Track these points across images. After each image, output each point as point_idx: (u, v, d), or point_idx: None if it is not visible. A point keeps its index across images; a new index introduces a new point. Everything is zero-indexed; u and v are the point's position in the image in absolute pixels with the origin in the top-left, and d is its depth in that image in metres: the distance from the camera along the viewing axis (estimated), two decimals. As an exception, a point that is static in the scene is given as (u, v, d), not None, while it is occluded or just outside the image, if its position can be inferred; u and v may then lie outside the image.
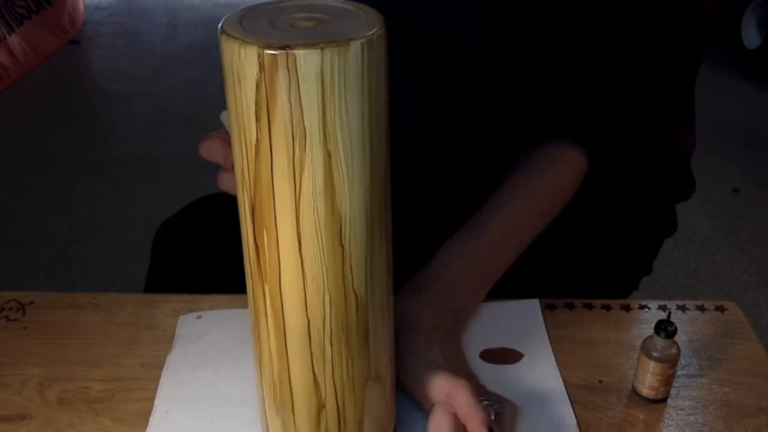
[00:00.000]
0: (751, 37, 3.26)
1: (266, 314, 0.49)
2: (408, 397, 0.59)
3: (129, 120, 2.95)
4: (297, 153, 0.42)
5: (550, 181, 0.73)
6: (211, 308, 0.73)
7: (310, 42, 0.40)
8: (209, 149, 0.55)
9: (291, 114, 0.41)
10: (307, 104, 0.41)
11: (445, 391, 0.54)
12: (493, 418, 0.55)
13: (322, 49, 0.40)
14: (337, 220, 0.45)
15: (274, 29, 0.43)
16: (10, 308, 0.73)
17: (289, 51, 0.40)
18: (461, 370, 0.61)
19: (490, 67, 0.81)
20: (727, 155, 2.59)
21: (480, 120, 0.86)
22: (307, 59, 0.40)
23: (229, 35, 0.42)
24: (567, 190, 0.74)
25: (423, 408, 0.58)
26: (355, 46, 0.40)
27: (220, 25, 0.43)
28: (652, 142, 0.78)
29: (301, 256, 0.46)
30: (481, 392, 0.59)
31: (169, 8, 4.31)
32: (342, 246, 0.46)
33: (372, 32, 0.42)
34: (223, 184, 0.55)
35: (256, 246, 0.47)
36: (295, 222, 0.45)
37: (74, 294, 0.76)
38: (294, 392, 0.51)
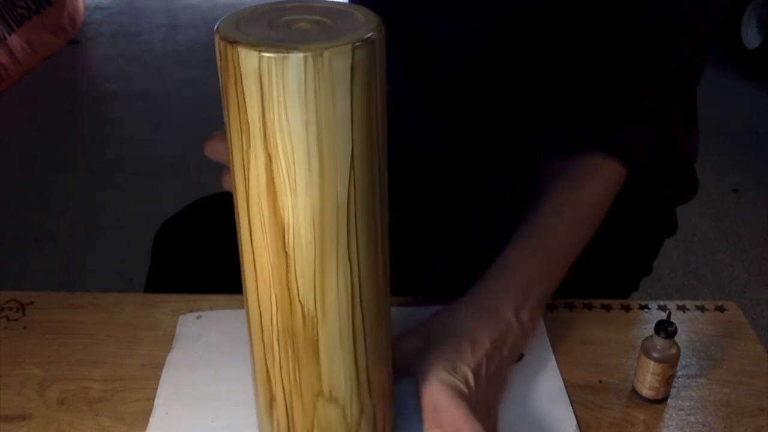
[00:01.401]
0: (751, 37, 3.26)
1: (242, 288, 0.50)
2: (406, 402, 0.59)
3: (129, 120, 2.95)
4: (244, 147, 0.43)
5: (591, 191, 0.73)
6: (211, 308, 0.73)
7: (252, 43, 0.40)
8: (214, 149, 0.55)
9: (238, 107, 0.42)
10: (249, 101, 0.41)
11: (457, 426, 0.53)
12: None
13: (260, 52, 0.40)
14: (279, 225, 0.44)
15: (269, 29, 0.43)
16: (10, 308, 0.73)
17: (234, 46, 0.40)
18: (487, 409, 0.59)
19: (490, 68, 0.81)
20: (727, 155, 2.60)
21: (480, 121, 0.86)
22: (247, 58, 0.40)
23: (217, 25, 0.43)
24: (608, 200, 0.73)
25: (424, 419, 0.57)
26: (296, 57, 0.40)
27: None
28: (664, 147, 0.78)
29: (252, 248, 0.46)
30: None
31: (169, 8, 4.31)
32: (286, 252, 0.45)
33: (332, 44, 0.40)
34: (227, 184, 0.55)
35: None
36: (247, 214, 0.46)
37: (74, 294, 0.76)
38: (256, 375, 0.52)
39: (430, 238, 0.88)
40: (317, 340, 0.48)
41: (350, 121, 0.43)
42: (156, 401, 0.63)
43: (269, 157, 0.42)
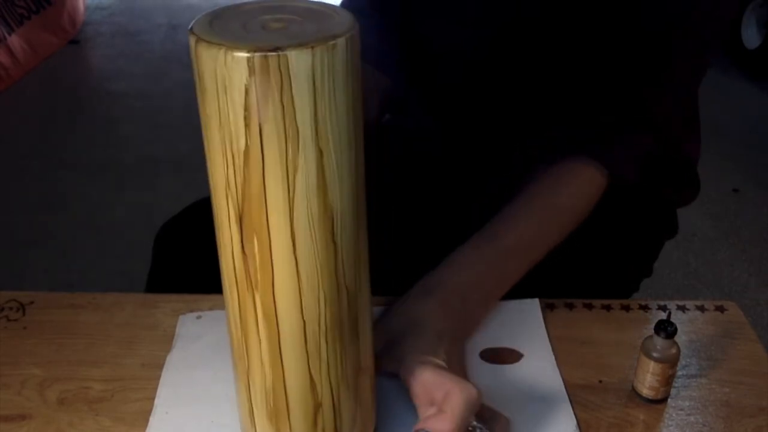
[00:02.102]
0: (751, 37, 3.26)
1: (257, 323, 0.49)
2: (392, 389, 0.59)
3: (129, 120, 2.94)
4: (290, 154, 0.42)
5: (566, 197, 0.73)
6: (211, 308, 0.73)
7: (300, 42, 0.40)
8: None
9: (283, 115, 0.41)
10: (299, 104, 0.41)
11: (445, 388, 0.54)
12: None
13: (312, 48, 0.40)
14: (329, 217, 0.45)
15: (247, 32, 0.43)
16: (10, 308, 0.73)
17: (280, 53, 0.40)
18: (462, 376, 0.61)
19: (491, 73, 0.81)
20: (727, 155, 2.59)
21: (480, 124, 0.87)
22: (299, 59, 0.40)
23: (210, 42, 0.41)
24: (583, 208, 0.74)
25: (415, 406, 0.57)
26: (341, 43, 0.41)
27: (192, 32, 0.42)
28: (666, 153, 0.78)
29: (295, 257, 0.46)
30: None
31: (169, 8, 4.30)
32: (335, 243, 0.46)
33: (350, 29, 0.42)
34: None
35: (244, 255, 0.47)
36: (289, 223, 0.45)
37: (74, 294, 0.76)
38: (289, 397, 0.51)
39: (429, 238, 0.88)
40: (357, 318, 0.50)
41: (360, 96, 0.45)
42: (156, 401, 0.63)
43: (320, 153, 0.43)
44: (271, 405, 0.52)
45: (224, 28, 0.43)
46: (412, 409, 0.57)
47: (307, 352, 0.49)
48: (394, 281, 0.66)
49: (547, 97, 0.80)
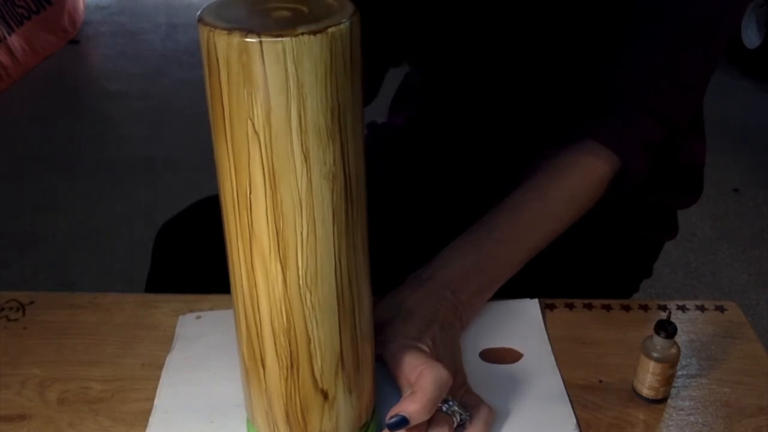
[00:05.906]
0: (751, 37, 3.27)
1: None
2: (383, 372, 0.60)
3: (129, 120, 2.95)
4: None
5: (569, 186, 0.72)
6: (211, 308, 0.73)
7: (304, 29, 0.41)
8: None
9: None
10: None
11: (418, 370, 0.54)
12: (455, 425, 0.55)
13: (317, 33, 0.41)
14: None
15: (253, 19, 0.43)
16: (10, 308, 0.73)
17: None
18: (450, 365, 0.61)
19: (492, 72, 0.81)
20: (727, 155, 2.60)
21: (482, 123, 0.87)
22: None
23: (219, 27, 0.41)
24: (587, 198, 0.73)
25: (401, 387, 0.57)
26: (344, 28, 0.42)
27: (202, 19, 0.42)
28: (673, 153, 0.78)
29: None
30: (459, 393, 0.58)
31: (169, 7, 4.31)
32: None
33: (352, 15, 0.43)
34: None
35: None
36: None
37: (74, 294, 0.76)
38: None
39: (428, 241, 0.88)
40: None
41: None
42: (156, 401, 0.63)
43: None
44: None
45: (232, 16, 0.43)
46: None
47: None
48: (395, 282, 0.66)
49: (549, 96, 0.80)
